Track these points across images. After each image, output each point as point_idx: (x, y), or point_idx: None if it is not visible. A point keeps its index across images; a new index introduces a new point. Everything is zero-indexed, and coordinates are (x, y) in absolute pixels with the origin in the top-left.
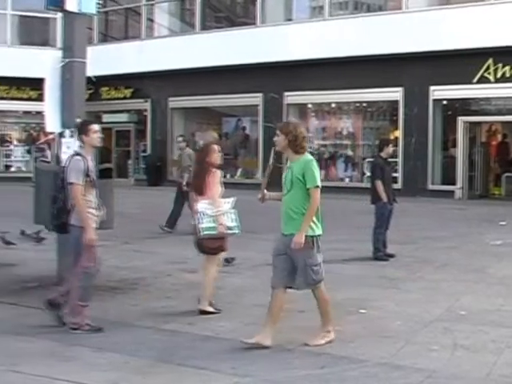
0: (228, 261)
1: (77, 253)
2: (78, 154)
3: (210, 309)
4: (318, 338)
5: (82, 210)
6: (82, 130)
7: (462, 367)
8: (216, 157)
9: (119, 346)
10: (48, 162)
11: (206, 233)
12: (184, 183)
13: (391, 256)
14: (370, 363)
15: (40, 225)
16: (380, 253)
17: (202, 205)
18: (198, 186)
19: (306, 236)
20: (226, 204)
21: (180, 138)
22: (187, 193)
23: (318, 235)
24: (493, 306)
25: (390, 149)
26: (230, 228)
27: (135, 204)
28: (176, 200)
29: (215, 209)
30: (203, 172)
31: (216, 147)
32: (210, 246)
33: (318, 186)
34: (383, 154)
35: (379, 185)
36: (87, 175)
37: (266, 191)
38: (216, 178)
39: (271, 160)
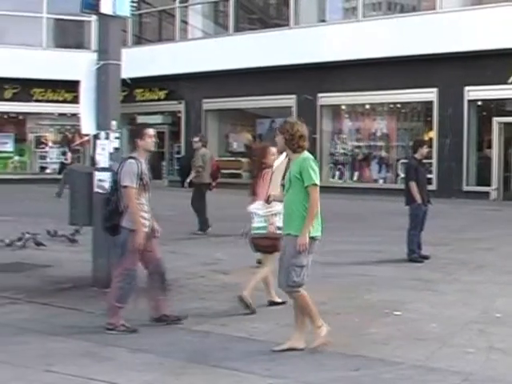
0: (260, 262)
1: (122, 254)
2: (131, 157)
3: (278, 299)
4: (315, 339)
5: (135, 213)
6: (137, 134)
7: (497, 370)
8: (272, 158)
9: (153, 346)
10: (67, 164)
11: (255, 232)
12: (188, 181)
13: (426, 258)
14: (404, 366)
15: (75, 225)
16: (415, 254)
17: (254, 205)
18: (253, 187)
19: (296, 236)
20: (278, 205)
21: (196, 138)
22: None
23: (312, 237)
24: None
25: (425, 150)
26: (279, 228)
27: (169, 206)
28: (199, 201)
29: (266, 209)
30: (259, 173)
31: (273, 149)
32: (262, 244)
33: (315, 184)
34: (417, 155)
35: (413, 186)
36: (140, 178)
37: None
38: (268, 180)
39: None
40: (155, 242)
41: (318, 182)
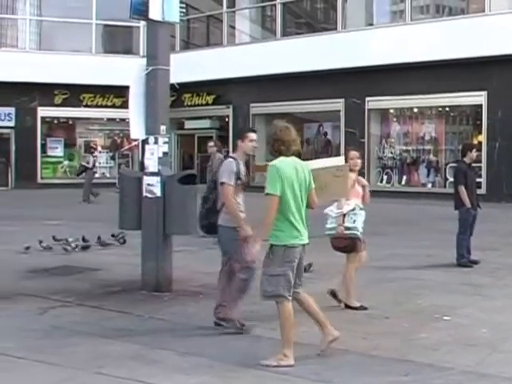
0: (305, 269)
1: (229, 252)
2: (231, 156)
3: (357, 304)
4: (273, 357)
5: (233, 209)
6: (240, 136)
7: None
8: (353, 162)
9: (203, 349)
10: (89, 169)
11: (327, 233)
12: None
13: (475, 262)
14: (455, 371)
15: (125, 230)
16: (464, 259)
17: (329, 207)
18: None
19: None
20: (348, 206)
21: (211, 143)
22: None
23: (285, 245)
24: None
25: (474, 154)
26: (348, 228)
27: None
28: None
29: (337, 210)
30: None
31: (352, 153)
32: (337, 245)
33: (268, 194)
34: (466, 159)
35: (462, 190)
36: (238, 178)
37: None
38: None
39: None
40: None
41: (273, 191)
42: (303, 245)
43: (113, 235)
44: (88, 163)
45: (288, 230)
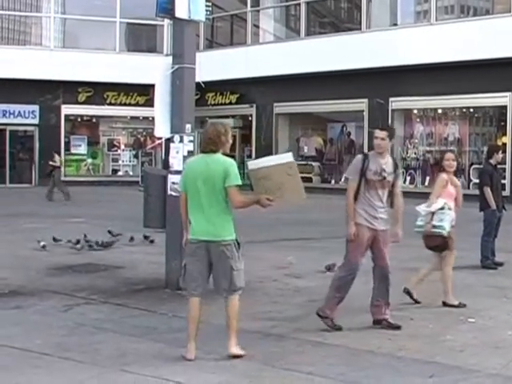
0: (329, 268)
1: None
2: (364, 153)
3: (455, 302)
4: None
5: (348, 205)
6: (391, 135)
7: None
8: (448, 164)
9: (225, 349)
10: (56, 167)
11: (416, 230)
12: None
13: (500, 264)
14: (481, 374)
15: (149, 228)
16: (488, 261)
17: (422, 205)
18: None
19: None
20: (436, 204)
21: None
22: None
23: (187, 239)
24: None
25: (500, 155)
26: (435, 227)
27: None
28: None
29: (426, 208)
30: (435, 176)
31: (448, 155)
32: (428, 243)
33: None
34: (492, 161)
35: (488, 192)
36: (364, 174)
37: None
38: (440, 181)
39: None
40: (385, 246)
41: (180, 188)
42: (208, 241)
43: (145, 236)
44: (55, 162)
45: (191, 225)
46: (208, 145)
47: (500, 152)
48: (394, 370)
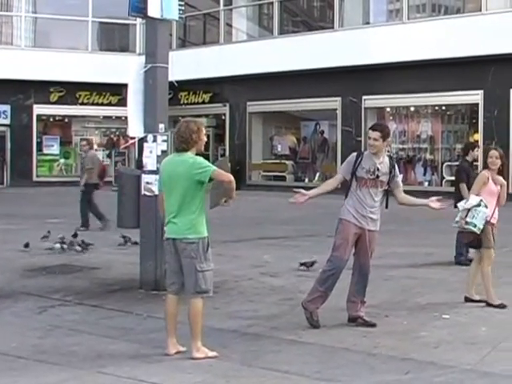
0: (306, 264)
1: None
2: (360, 151)
3: (496, 302)
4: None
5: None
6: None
7: None
8: (491, 161)
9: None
10: None
11: (453, 225)
12: (82, 183)
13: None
14: (456, 369)
15: (123, 228)
16: (462, 257)
17: (461, 202)
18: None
19: None
20: (472, 200)
21: (84, 142)
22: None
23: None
24: None
25: (476, 152)
26: (467, 223)
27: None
28: (88, 200)
29: (464, 205)
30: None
31: (492, 152)
32: (461, 239)
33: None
34: (469, 158)
35: (464, 188)
36: (355, 172)
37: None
38: (480, 178)
39: None
40: (371, 246)
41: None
42: (174, 239)
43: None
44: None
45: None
46: (180, 143)
47: (476, 149)
48: (370, 367)
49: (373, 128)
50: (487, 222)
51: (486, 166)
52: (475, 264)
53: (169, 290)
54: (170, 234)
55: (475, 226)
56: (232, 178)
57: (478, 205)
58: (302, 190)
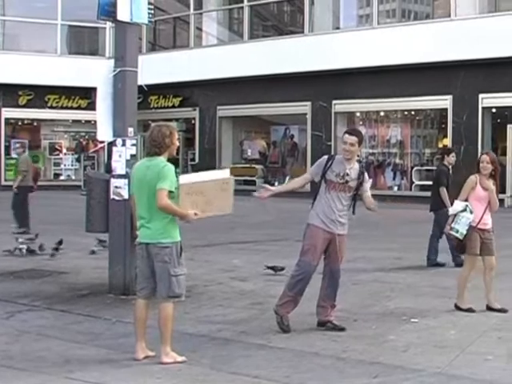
0: (274, 269)
1: None
2: (331, 155)
3: (466, 306)
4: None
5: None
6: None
7: None
8: (482, 166)
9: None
10: None
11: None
12: (15, 186)
13: (442, 265)
14: (424, 373)
15: (92, 233)
16: (433, 260)
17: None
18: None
19: None
20: (457, 206)
21: (17, 145)
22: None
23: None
24: None
25: (451, 158)
26: (452, 229)
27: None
28: (22, 203)
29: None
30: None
31: (484, 157)
32: (455, 244)
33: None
34: (445, 163)
35: (444, 192)
36: (324, 174)
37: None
38: (468, 183)
39: None
40: (341, 250)
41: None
42: (147, 244)
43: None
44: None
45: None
46: (152, 147)
47: (451, 155)
48: (339, 371)
49: (349, 132)
50: (473, 228)
51: (478, 171)
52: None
53: (139, 294)
54: (143, 239)
55: (457, 231)
56: (163, 207)
57: (464, 210)
58: (267, 186)
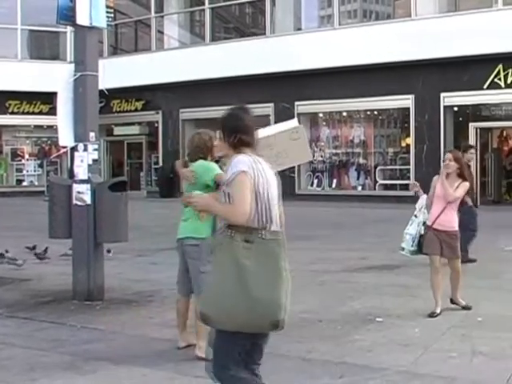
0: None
1: None
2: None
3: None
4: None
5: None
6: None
7: (482, 374)
8: (444, 164)
9: (137, 358)
10: None
11: None
12: None
13: (474, 261)
14: (390, 371)
15: (55, 239)
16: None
17: None
18: None
19: None
20: (421, 201)
21: None
22: None
23: None
24: (510, 312)
25: (470, 154)
26: (403, 249)
27: (148, 216)
28: None
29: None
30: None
31: (448, 155)
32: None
33: None
34: (464, 159)
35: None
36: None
37: None
38: (432, 183)
39: None
40: None
41: None
42: (180, 239)
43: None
44: None
45: None
46: (197, 153)
47: (470, 151)
48: (304, 372)
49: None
50: (428, 227)
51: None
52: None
53: (178, 292)
54: (178, 235)
55: (403, 249)
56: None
57: (424, 222)
58: None
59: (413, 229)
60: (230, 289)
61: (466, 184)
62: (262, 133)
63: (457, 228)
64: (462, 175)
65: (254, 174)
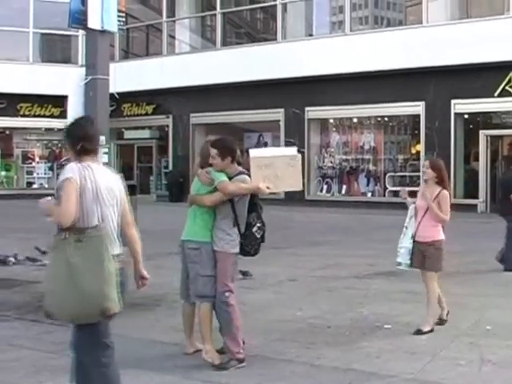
0: (244, 274)
1: None
2: None
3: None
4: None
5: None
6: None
7: (490, 383)
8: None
9: (144, 362)
10: None
11: None
12: None
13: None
14: (397, 379)
15: None
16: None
17: None
18: None
19: None
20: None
21: None
22: None
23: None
24: None
25: None
26: (399, 264)
27: (157, 220)
28: None
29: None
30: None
31: (426, 162)
32: None
33: None
34: None
35: None
36: None
37: None
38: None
39: None
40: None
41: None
42: (183, 241)
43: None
44: None
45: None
46: (206, 162)
47: None
48: (312, 378)
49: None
50: (413, 240)
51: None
52: None
53: (182, 297)
54: (182, 236)
55: (400, 264)
56: (230, 188)
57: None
58: None
59: (406, 242)
60: (63, 286)
61: (445, 194)
62: (264, 152)
63: (438, 238)
64: (441, 183)
65: (80, 179)
